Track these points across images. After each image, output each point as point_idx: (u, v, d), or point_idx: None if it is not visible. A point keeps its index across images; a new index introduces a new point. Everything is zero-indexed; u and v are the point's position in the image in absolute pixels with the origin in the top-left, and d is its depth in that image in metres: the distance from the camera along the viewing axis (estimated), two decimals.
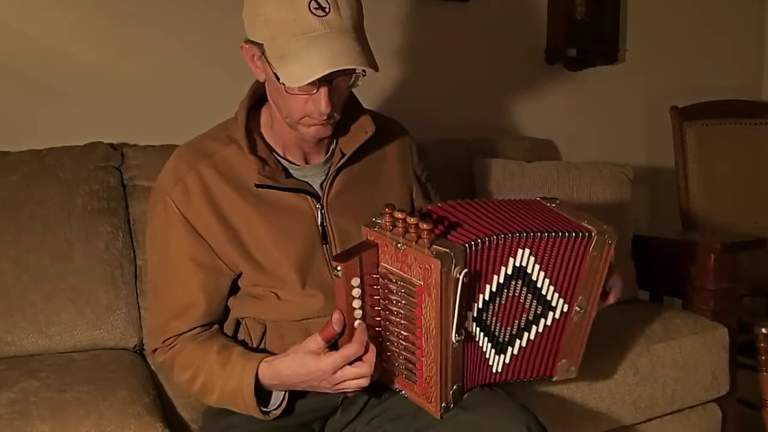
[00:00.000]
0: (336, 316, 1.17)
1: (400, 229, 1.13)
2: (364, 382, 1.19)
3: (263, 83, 1.34)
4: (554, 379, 1.35)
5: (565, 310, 1.28)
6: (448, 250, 1.09)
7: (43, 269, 1.67)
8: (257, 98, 1.37)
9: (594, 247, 1.24)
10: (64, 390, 1.43)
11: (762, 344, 1.81)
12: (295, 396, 1.30)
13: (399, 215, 1.12)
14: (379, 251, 1.17)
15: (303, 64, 1.15)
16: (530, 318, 1.26)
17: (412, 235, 1.11)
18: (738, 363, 2.04)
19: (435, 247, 1.10)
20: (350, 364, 1.17)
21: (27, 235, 1.68)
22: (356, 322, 1.17)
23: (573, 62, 2.62)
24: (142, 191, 1.81)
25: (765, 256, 2.22)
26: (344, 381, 1.18)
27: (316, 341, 1.18)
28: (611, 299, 1.38)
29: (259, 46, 1.20)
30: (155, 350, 1.38)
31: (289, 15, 1.15)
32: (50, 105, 1.98)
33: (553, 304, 1.27)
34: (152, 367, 1.66)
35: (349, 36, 1.18)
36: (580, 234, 1.23)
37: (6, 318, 1.63)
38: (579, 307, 1.28)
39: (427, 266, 1.09)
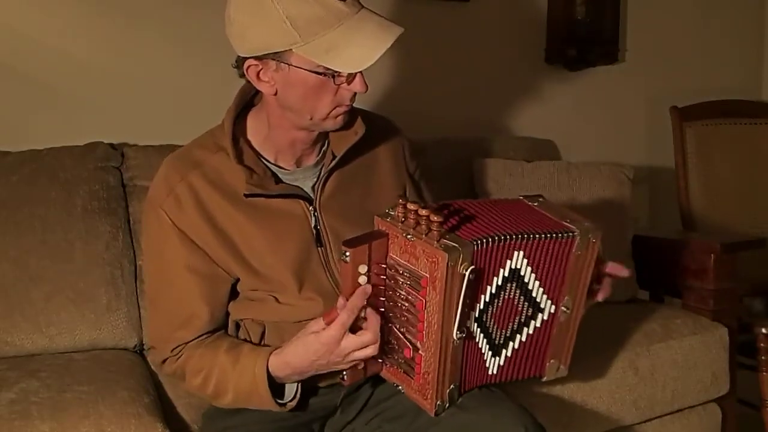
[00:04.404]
0: (340, 302, 1.16)
1: (411, 220, 1.13)
2: (371, 351, 1.18)
3: (250, 91, 1.34)
4: (544, 379, 1.34)
5: (552, 311, 1.27)
6: (456, 245, 1.09)
7: (43, 269, 1.67)
8: (243, 105, 1.36)
9: (578, 247, 1.23)
10: (64, 390, 1.43)
11: (762, 344, 1.81)
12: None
13: (411, 207, 1.13)
14: (389, 242, 1.16)
15: (358, 47, 1.17)
16: (522, 320, 1.26)
17: (423, 227, 1.11)
18: (738, 363, 2.04)
19: (444, 240, 1.10)
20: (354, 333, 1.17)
21: (27, 235, 1.68)
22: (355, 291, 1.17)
23: (573, 62, 2.62)
24: (142, 191, 1.81)
25: (765, 256, 2.22)
26: (352, 352, 1.18)
27: (318, 323, 1.19)
28: (599, 297, 1.35)
29: (276, 55, 1.19)
30: (164, 361, 1.37)
31: (320, 9, 1.16)
32: (50, 105, 1.98)
33: (542, 306, 1.26)
34: (152, 366, 1.66)
35: (369, 10, 1.22)
36: (564, 234, 1.22)
37: (6, 318, 1.63)
38: (565, 307, 1.27)
39: (434, 258, 1.09)
